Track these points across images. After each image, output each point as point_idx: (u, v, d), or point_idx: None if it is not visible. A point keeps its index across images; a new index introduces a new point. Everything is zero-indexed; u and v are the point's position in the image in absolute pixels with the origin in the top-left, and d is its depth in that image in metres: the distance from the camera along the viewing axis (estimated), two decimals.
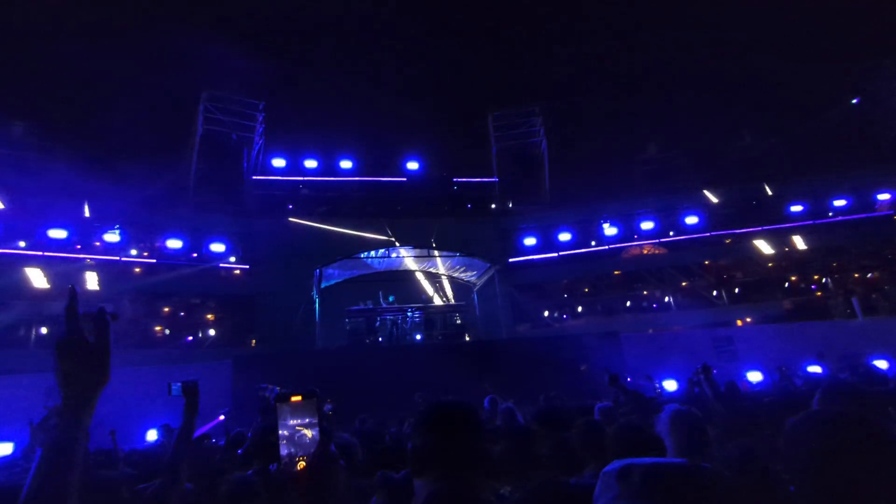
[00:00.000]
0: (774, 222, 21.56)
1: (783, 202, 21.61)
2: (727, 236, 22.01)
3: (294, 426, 1.16)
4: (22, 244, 17.18)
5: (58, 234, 17.28)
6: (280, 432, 1.15)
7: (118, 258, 18.34)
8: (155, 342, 18.02)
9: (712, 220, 21.96)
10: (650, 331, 21.17)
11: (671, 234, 22.05)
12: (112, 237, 18.11)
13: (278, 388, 2.60)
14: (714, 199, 22.39)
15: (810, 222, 21.27)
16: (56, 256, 17.49)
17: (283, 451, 1.15)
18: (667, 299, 22.01)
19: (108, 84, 23.92)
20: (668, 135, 25.91)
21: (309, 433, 1.17)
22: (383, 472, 2.48)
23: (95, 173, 19.35)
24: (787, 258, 21.74)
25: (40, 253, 17.28)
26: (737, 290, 22.04)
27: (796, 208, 21.31)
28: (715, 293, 21.66)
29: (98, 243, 17.94)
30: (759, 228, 21.61)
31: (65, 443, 1.04)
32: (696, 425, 2.57)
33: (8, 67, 23.26)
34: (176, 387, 2.64)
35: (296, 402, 1.22)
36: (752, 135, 25.03)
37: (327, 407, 7.23)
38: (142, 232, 18.92)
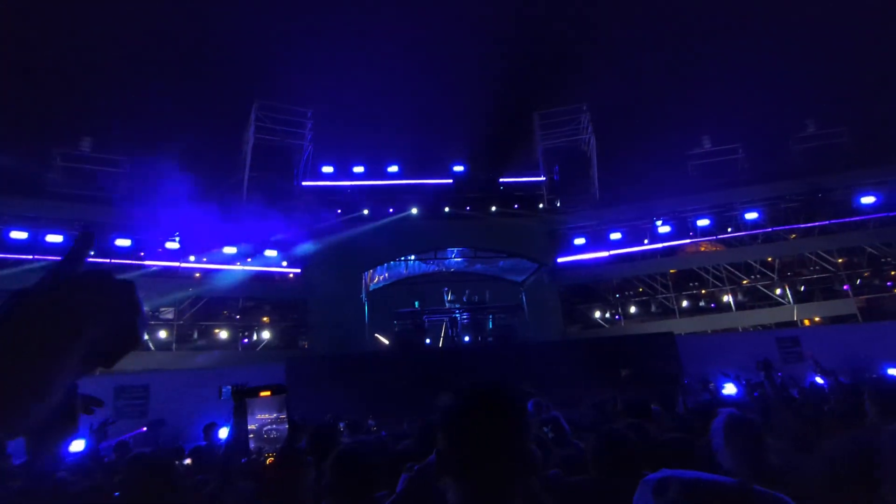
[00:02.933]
0: (843, 215, 20.25)
1: (852, 194, 20.27)
2: (791, 231, 20.85)
3: (262, 421, 1.11)
4: (91, 252, 18.13)
5: (123, 242, 18.20)
6: (249, 427, 1.09)
7: (178, 264, 19.14)
8: (213, 345, 18.65)
9: (774, 215, 20.86)
10: (708, 332, 20.32)
11: (729, 230, 21.08)
12: (172, 245, 18.92)
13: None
14: (775, 193, 21.28)
15: (883, 214, 19.85)
16: (122, 263, 18.44)
17: (252, 446, 1.07)
18: (725, 299, 21.04)
19: (165, 96, 25.08)
20: (723, 128, 24.83)
21: (276, 428, 1.12)
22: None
23: (153, 184, 20.28)
24: (859, 253, 20.39)
25: (108, 260, 18.23)
26: (802, 288, 20.84)
27: (867, 200, 19.93)
28: (778, 291, 20.54)
29: (160, 250, 18.77)
30: (827, 222, 20.35)
31: None
32: (753, 433, 2.37)
33: (71, 86, 24.75)
34: (226, 390, 2.64)
35: (264, 396, 1.16)
36: (816, 124, 23.62)
37: (370, 423, 7.10)
38: (199, 239, 19.66)
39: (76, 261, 0.57)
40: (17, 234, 17.05)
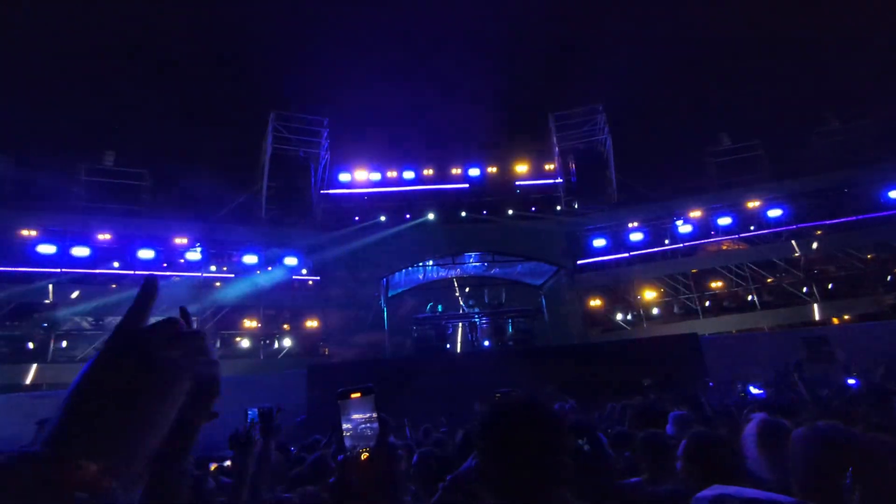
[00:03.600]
0: (870, 210, 19.72)
1: (880, 188, 19.73)
2: (816, 228, 20.37)
3: (357, 420, 1.24)
4: (116, 264, 18.51)
5: (146, 254, 18.54)
6: (344, 426, 1.22)
7: (200, 274, 19.42)
8: (235, 353, 18.85)
9: (798, 212, 20.41)
10: (733, 332, 19.93)
11: (752, 228, 20.68)
12: (193, 255, 19.21)
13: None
14: (798, 189, 20.83)
15: None
16: (144, 274, 18.79)
17: (348, 444, 1.23)
18: (750, 298, 20.61)
19: (185, 109, 25.56)
20: (742, 124, 24.43)
21: (370, 427, 1.24)
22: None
23: (175, 196, 20.65)
24: (888, 249, 19.83)
25: (132, 272, 18.60)
26: (830, 286, 20.30)
27: (895, 194, 19.40)
28: (805, 290, 20.06)
29: (182, 260, 19.07)
30: (854, 218, 19.84)
31: None
32: (787, 439, 2.28)
33: (93, 100, 25.34)
34: (252, 412, 2.61)
35: (355, 398, 1.26)
36: (839, 118, 23.09)
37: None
38: (220, 249, 19.94)
39: (142, 313, 0.57)
40: (45, 248, 17.45)
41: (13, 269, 17.30)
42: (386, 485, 1.14)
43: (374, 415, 1.25)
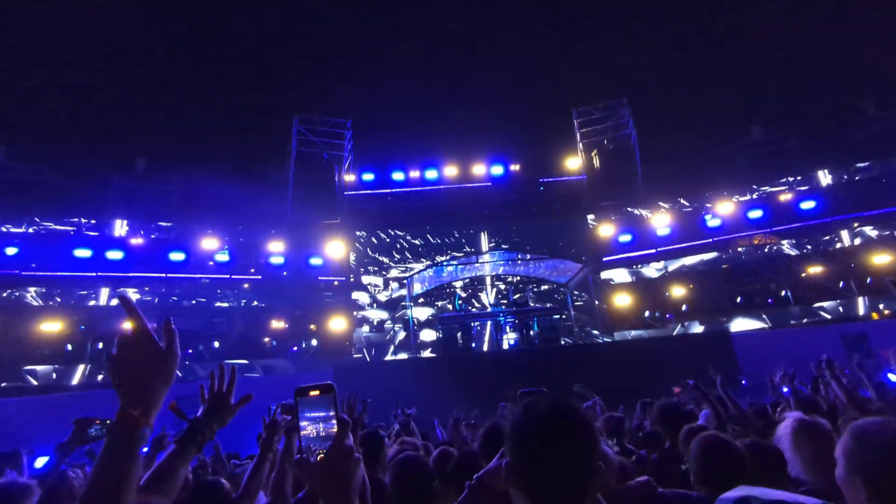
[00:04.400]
0: None
1: None
2: (854, 220, 19.66)
3: (315, 419, 1.22)
4: (148, 268, 19.08)
5: (177, 256, 19.05)
6: (301, 424, 1.22)
7: (229, 276, 19.86)
8: (263, 352, 19.19)
9: (833, 204, 19.72)
10: (766, 328, 19.39)
11: (785, 221, 20.07)
12: (222, 257, 19.64)
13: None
14: (834, 181, 20.16)
15: None
16: (178, 278, 19.35)
17: (304, 444, 1.21)
18: (783, 293, 20.00)
19: (212, 115, 26.10)
20: (775, 115, 23.66)
21: (327, 427, 1.23)
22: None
23: (204, 200, 21.11)
24: None
25: (164, 275, 19.15)
26: (868, 280, 19.54)
27: None
28: (842, 283, 19.36)
29: (211, 263, 19.51)
30: (893, 209, 19.07)
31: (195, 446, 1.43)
32: (824, 438, 2.20)
33: (126, 112, 26.10)
34: (273, 406, 2.68)
35: (314, 395, 1.24)
36: (876, 106, 22.18)
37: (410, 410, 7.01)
38: (247, 251, 20.35)
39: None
40: (82, 252, 18.06)
41: (52, 273, 17.98)
42: (342, 488, 1.12)
43: (332, 413, 1.22)
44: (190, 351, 18.34)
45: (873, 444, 1.44)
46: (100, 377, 17.10)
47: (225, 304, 20.49)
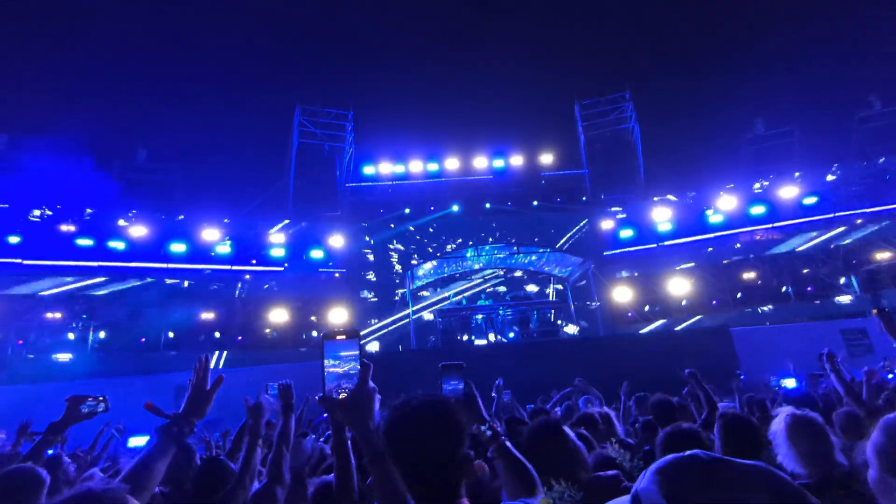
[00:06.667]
0: None
1: None
2: (856, 217, 19.59)
3: (342, 358, 1.35)
4: (150, 258, 19.08)
5: (178, 247, 19.06)
6: (326, 363, 1.34)
7: (230, 267, 19.87)
8: (263, 344, 19.25)
9: (836, 199, 19.65)
10: (766, 324, 19.38)
11: (787, 217, 20.00)
12: (224, 248, 19.65)
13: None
14: (837, 177, 20.05)
15: None
16: (178, 269, 19.36)
17: (330, 384, 1.34)
18: (784, 289, 19.97)
19: (213, 106, 26.05)
20: (778, 109, 23.57)
21: (352, 370, 1.35)
22: None
23: (205, 191, 21.11)
24: None
25: (165, 265, 19.16)
26: (869, 276, 19.51)
27: None
28: (843, 280, 19.33)
29: (212, 254, 19.53)
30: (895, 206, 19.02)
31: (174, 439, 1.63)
32: (818, 432, 2.26)
33: (128, 102, 26.06)
34: (272, 388, 2.74)
35: (340, 339, 1.36)
36: (881, 101, 22.04)
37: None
38: (248, 243, 20.35)
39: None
40: (83, 242, 18.08)
41: (54, 262, 17.99)
42: (365, 419, 1.28)
43: (357, 353, 1.34)
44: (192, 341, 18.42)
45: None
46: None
47: (225, 296, 20.49)
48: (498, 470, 1.77)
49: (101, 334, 17.57)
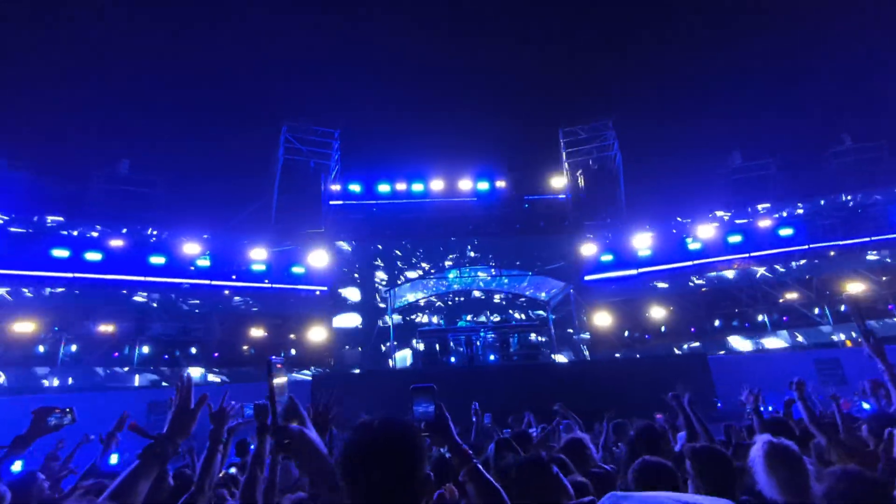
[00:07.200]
0: (884, 232, 19.45)
1: (892, 210, 19.49)
2: (830, 248, 20.10)
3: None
4: (127, 270, 18.71)
5: (157, 260, 18.77)
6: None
7: (209, 282, 19.61)
8: (241, 360, 18.93)
9: (811, 232, 20.17)
10: (742, 352, 19.66)
11: (763, 247, 20.44)
12: (203, 262, 19.42)
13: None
14: (811, 209, 20.63)
15: None
16: (157, 282, 19.04)
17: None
18: (760, 318, 20.32)
19: (199, 119, 25.98)
20: (756, 142, 24.27)
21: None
22: None
23: (187, 204, 20.95)
24: None
25: (143, 278, 18.83)
26: (843, 308, 19.95)
27: None
28: (817, 311, 19.75)
29: (192, 268, 19.27)
30: (868, 240, 19.57)
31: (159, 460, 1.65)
32: (795, 460, 2.29)
33: (108, 109, 25.85)
34: (248, 408, 2.66)
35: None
36: (852, 138, 22.84)
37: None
38: (229, 257, 20.14)
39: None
40: (59, 252, 17.71)
41: (30, 272, 17.58)
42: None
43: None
44: (166, 357, 18.06)
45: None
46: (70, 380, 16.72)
47: (204, 311, 20.16)
48: (469, 494, 1.76)
49: (73, 347, 17.14)
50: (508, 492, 1.72)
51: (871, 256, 19.96)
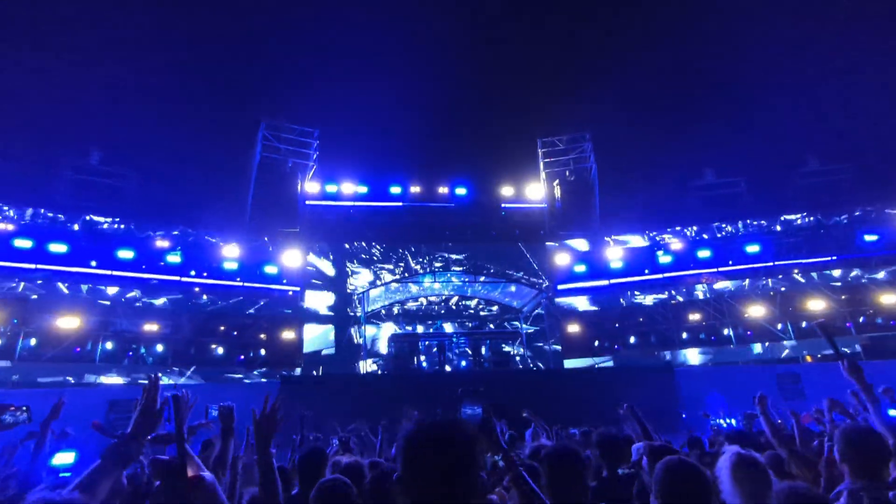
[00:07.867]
0: (846, 252, 20.18)
1: (855, 231, 20.25)
2: (794, 266, 20.76)
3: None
4: (93, 263, 18.19)
5: (126, 254, 18.32)
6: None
7: (179, 278, 19.21)
8: (210, 360, 18.56)
9: (776, 249, 20.80)
10: (708, 365, 20.13)
11: (730, 263, 21.00)
12: (174, 258, 19.02)
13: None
14: (777, 228, 21.30)
15: (885, 252, 19.75)
16: (124, 277, 18.54)
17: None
18: (726, 332, 20.83)
19: (175, 112, 25.47)
20: (727, 161, 24.93)
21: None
22: None
23: (160, 199, 20.52)
24: (862, 290, 20.23)
25: (110, 272, 18.33)
26: (804, 325, 20.59)
27: (870, 237, 19.87)
28: (780, 326, 20.34)
29: (162, 263, 18.85)
30: (830, 259, 20.27)
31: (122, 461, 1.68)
32: (762, 473, 2.32)
33: (81, 98, 25.16)
34: (213, 409, 2.65)
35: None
36: (819, 160, 23.66)
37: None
38: (201, 254, 19.78)
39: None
40: (21, 243, 17.15)
41: None
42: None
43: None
44: (130, 354, 17.61)
45: None
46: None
47: (173, 307, 19.72)
48: (513, 498, 1.78)
49: (32, 341, 16.57)
50: None
51: (834, 273, 20.64)
